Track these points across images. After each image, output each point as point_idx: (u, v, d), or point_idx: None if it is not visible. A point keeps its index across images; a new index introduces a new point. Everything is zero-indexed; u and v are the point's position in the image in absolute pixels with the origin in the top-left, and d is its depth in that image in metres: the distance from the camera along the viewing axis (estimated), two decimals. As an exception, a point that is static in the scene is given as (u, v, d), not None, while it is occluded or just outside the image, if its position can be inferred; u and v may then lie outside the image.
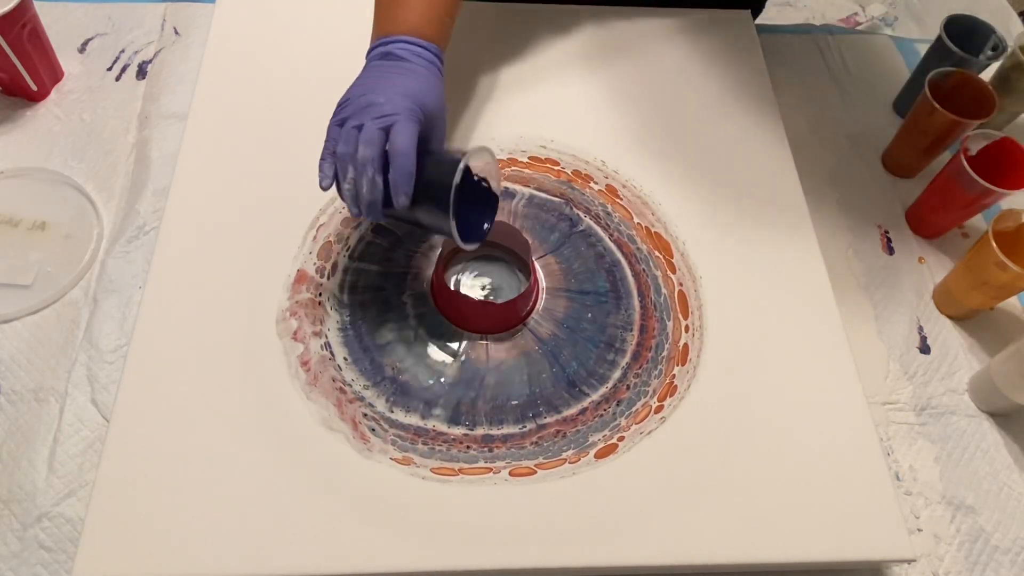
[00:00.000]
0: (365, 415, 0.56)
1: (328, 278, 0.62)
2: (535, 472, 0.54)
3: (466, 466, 0.54)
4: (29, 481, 0.55)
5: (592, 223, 0.67)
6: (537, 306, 0.62)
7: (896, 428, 0.63)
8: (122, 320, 0.62)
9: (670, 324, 0.62)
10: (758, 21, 0.84)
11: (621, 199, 0.68)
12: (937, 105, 0.69)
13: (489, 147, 0.55)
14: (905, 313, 0.69)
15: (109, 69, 0.78)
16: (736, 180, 0.70)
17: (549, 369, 0.59)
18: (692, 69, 0.77)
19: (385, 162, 0.51)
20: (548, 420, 0.57)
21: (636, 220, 0.67)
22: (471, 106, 0.72)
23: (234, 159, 0.67)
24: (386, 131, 0.51)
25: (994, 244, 0.62)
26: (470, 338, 0.60)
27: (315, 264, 0.62)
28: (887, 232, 0.74)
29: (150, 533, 0.50)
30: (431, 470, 0.54)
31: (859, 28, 1.47)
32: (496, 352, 0.60)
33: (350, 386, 0.57)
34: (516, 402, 0.57)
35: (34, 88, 0.73)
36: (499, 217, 0.59)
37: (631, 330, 0.61)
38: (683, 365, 0.60)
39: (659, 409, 0.58)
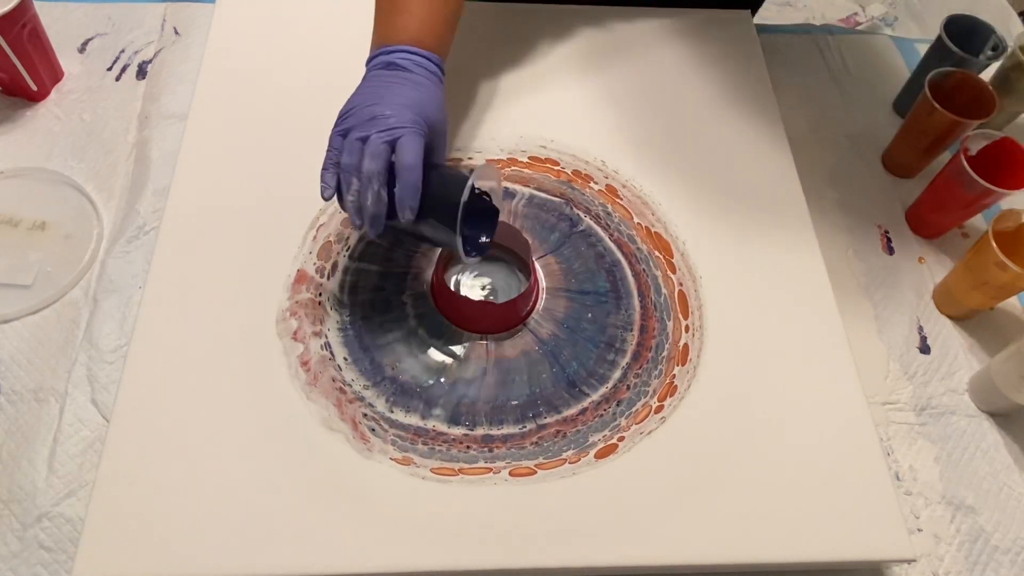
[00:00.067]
0: (365, 415, 0.56)
1: (328, 278, 0.62)
2: (535, 472, 0.54)
3: (466, 466, 0.54)
4: (29, 481, 0.55)
5: (592, 223, 0.67)
6: (537, 306, 0.62)
7: (896, 428, 0.63)
8: (122, 320, 0.62)
9: (670, 324, 0.62)
10: (757, 21, 0.84)
11: (621, 199, 0.68)
12: (937, 105, 0.69)
13: (493, 164, 0.55)
14: (905, 313, 0.69)
15: (109, 69, 0.78)
16: (736, 180, 0.70)
17: (549, 369, 0.59)
18: (692, 69, 0.77)
19: (390, 176, 0.51)
20: (548, 420, 0.57)
21: (636, 220, 0.67)
22: (471, 106, 0.72)
23: (234, 159, 0.67)
24: (391, 144, 0.51)
25: (994, 244, 0.62)
26: (470, 338, 0.60)
27: (315, 264, 0.62)
28: (887, 232, 0.74)
29: (150, 533, 0.50)
30: (431, 470, 0.54)
31: (859, 28, 1.47)
32: (496, 352, 0.60)
33: (350, 386, 0.57)
34: (516, 402, 0.57)
35: (34, 88, 0.73)
36: (499, 217, 0.59)
37: (631, 330, 0.61)
38: (683, 365, 0.60)
39: (659, 409, 0.58)
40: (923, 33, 1.33)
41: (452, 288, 0.62)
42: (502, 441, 0.55)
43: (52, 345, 0.61)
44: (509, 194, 0.67)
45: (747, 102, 0.75)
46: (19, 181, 0.69)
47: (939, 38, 0.76)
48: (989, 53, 0.76)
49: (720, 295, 0.63)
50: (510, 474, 0.54)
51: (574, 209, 0.67)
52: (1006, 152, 0.68)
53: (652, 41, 0.79)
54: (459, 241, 0.53)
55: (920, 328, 0.69)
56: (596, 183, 0.69)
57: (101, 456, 0.52)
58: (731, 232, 0.67)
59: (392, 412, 0.56)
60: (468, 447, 0.55)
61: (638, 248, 0.65)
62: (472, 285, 0.64)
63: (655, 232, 0.66)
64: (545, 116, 0.72)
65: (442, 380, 0.58)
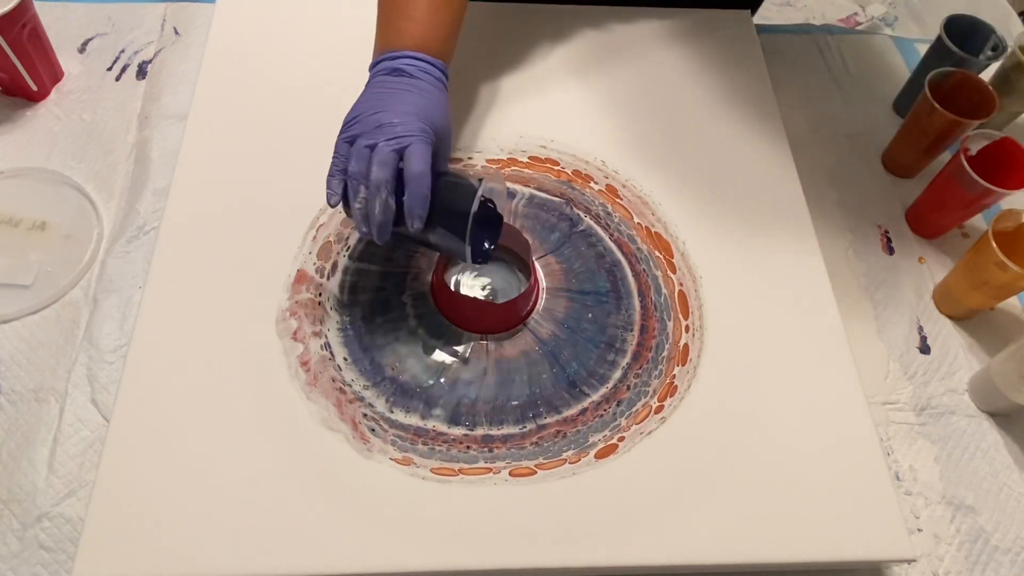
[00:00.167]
0: (365, 415, 0.56)
1: (328, 278, 0.62)
2: (535, 472, 0.54)
3: (466, 466, 0.54)
4: (29, 481, 0.55)
5: (592, 223, 0.67)
6: (537, 306, 0.62)
7: (896, 428, 0.63)
8: (122, 320, 0.62)
9: (670, 324, 0.62)
10: (757, 21, 0.84)
11: (621, 199, 0.68)
12: (937, 105, 0.69)
13: (498, 171, 0.55)
14: (905, 313, 0.69)
15: (109, 69, 0.78)
16: (736, 180, 0.70)
17: (549, 369, 0.59)
18: (692, 69, 0.77)
19: (398, 184, 0.51)
20: (548, 420, 0.57)
21: (636, 220, 0.67)
22: (471, 106, 0.72)
23: (234, 159, 0.67)
24: (399, 152, 0.51)
25: (994, 244, 0.62)
26: (470, 338, 0.60)
27: (315, 264, 0.62)
28: (887, 232, 0.74)
29: (150, 533, 0.50)
30: (431, 470, 0.54)
31: (859, 28, 1.47)
32: (496, 352, 0.60)
33: (350, 386, 0.57)
34: (516, 402, 0.57)
35: (34, 88, 0.73)
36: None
37: (631, 330, 0.61)
38: (683, 365, 0.60)
39: (659, 409, 0.58)
40: (923, 33, 1.33)
41: (452, 288, 0.62)
42: (502, 441, 0.55)
43: (52, 345, 0.61)
44: (509, 194, 0.67)
45: (747, 102, 0.75)
46: (19, 181, 0.69)
47: (939, 38, 0.76)
48: (989, 53, 0.76)
49: (720, 295, 0.63)
50: (510, 474, 0.54)
51: (574, 209, 0.67)
52: (1006, 152, 0.68)
53: (652, 41, 0.79)
54: (469, 250, 0.53)
55: (920, 328, 0.69)
56: (596, 183, 0.69)
57: (101, 456, 0.52)
58: (731, 232, 0.67)
59: (392, 412, 0.56)
60: (468, 447, 0.55)
61: (638, 248, 0.65)
62: (472, 285, 0.64)
63: (655, 232, 0.66)
64: (545, 116, 0.72)
65: (442, 380, 0.58)
